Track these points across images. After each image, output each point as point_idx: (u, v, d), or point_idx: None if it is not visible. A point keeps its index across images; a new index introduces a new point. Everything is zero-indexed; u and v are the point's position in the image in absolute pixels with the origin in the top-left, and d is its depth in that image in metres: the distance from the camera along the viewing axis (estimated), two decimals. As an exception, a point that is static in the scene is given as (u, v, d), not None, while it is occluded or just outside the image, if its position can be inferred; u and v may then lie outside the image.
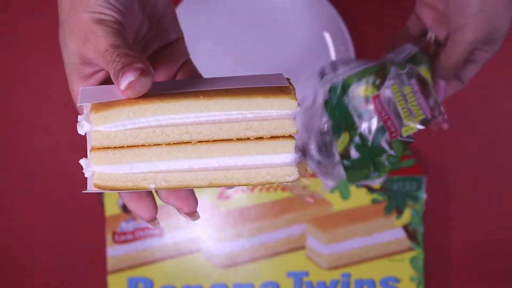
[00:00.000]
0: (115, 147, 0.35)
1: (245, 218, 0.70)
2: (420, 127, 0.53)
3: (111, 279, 0.69)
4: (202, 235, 0.69)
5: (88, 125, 0.35)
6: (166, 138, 0.35)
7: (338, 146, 0.52)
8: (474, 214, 0.73)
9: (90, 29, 0.37)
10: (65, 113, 0.73)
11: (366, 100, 0.51)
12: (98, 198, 0.71)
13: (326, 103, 0.52)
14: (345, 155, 0.52)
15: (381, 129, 0.52)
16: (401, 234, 0.70)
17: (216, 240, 0.69)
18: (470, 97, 0.73)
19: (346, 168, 0.52)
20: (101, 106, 0.35)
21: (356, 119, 0.51)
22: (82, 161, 0.37)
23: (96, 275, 0.72)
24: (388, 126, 0.52)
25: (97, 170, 0.36)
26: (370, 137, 0.52)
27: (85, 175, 0.37)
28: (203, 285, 0.69)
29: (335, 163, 0.52)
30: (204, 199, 0.69)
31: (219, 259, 0.69)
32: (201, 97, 0.34)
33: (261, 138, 0.35)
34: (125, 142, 0.35)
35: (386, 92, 0.52)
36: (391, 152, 0.52)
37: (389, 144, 0.52)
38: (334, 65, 0.53)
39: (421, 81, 0.54)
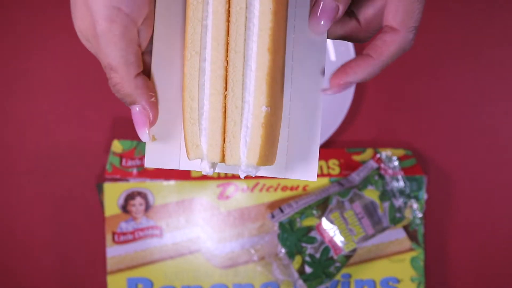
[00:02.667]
0: (223, 140, 0.38)
1: (245, 218, 0.69)
2: (360, 245, 0.66)
3: (111, 280, 0.69)
4: (202, 235, 0.69)
5: (205, 163, 0.38)
6: (219, 89, 0.37)
7: (294, 265, 0.66)
8: (474, 215, 0.73)
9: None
10: (65, 113, 0.73)
11: (310, 229, 0.66)
12: (98, 198, 0.71)
13: (279, 236, 0.66)
14: (301, 271, 0.66)
15: (326, 249, 0.66)
16: (401, 234, 0.70)
17: (216, 240, 0.69)
18: (470, 97, 0.73)
19: (304, 281, 0.66)
20: (186, 146, 0.38)
21: (304, 244, 0.66)
22: (242, 174, 0.38)
23: (95, 276, 0.72)
24: (332, 245, 0.65)
25: (245, 158, 0.37)
26: (318, 255, 0.66)
27: (252, 174, 0.38)
28: (203, 286, 0.69)
29: (295, 279, 0.66)
30: (204, 199, 0.69)
31: (219, 259, 0.69)
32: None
33: None
34: (220, 128, 0.37)
35: (328, 219, 0.65)
36: (337, 264, 0.66)
37: (335, 258, 0.66)
38: (281, 209, 0.67)
39: (364, 203, 0.66)
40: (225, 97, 0.37)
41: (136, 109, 0.37)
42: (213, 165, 0.38)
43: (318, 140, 0.41)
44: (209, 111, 0.37)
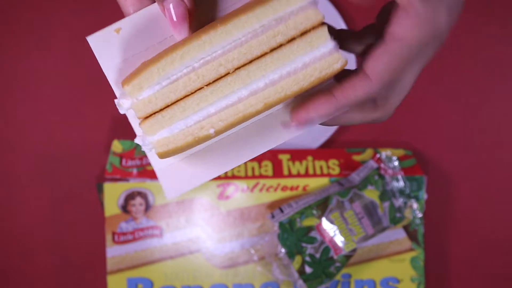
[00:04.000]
0: (161, 109, 0.34)
1: (245, 218, 0.69)
2: (360, 245, 0.66)
3: (111, 280, 0.69)
4: (202, 235, 0.69)
5: (127, 102, 0.35)
6: (204, 79, 0.34)
7: (295, 265, 0.66)
8: (474, 215, 0.73)
9: None
10: (65, 113, 0.73)
11: (310, 229, 0.66)
12: (98, 198, 0.71)
13: (279, 236, 0.66)
14: (301, 271, 0.66)
15: (326, 249, 0.66)
16: (401, 234, 0.70)
17: (216, 240, 0.69)
18: (470, 97, 0.73)
19: (304, 280, 0.66)
20: (130, 77, 0.34)
21: (304, 244, 0.66)
22: (137, 140, 0.36)
23: (95, 276, 0.72)
24: (332, 245, 0.66)
25: (154, 140, 0.35)
26: (318, 255, 0.66)
27: (147, 152, 0.37)
28: (203, 286, 0.69)
29: (295, 279, 0.66)
30: (204, 199, 0.69)
31: (219, 259, 0.69)
32: (219, 25, 0.33)
33: (293, 39, 0.34)
34: (168, 100, 0.34)
35: (328, 219, 0.65)
36: (337, 264, 0.66)
37: (335, 258, 0.66)
38: (281, 209, 0.67)
39: (364, 203, 0.66)
40: (200, 88, 0.34)
41: (172, 2, 0.34)
42: (129, 111, 0.36)
43: (221, 171, 0.39)
44: (178, 81, 0.34)
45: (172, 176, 0.39)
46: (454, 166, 0.73)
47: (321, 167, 0.70)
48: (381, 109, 0.38)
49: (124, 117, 0.73)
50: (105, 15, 0.73)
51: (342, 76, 0.40)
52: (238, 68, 0.34)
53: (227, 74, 0.34)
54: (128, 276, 0.69)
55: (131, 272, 0.69)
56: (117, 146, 0.70)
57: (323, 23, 0.35)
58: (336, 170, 0.70)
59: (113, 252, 0.69)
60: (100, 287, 0.71)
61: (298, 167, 0.70)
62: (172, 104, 0.34)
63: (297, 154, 0.71)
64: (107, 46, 0.37)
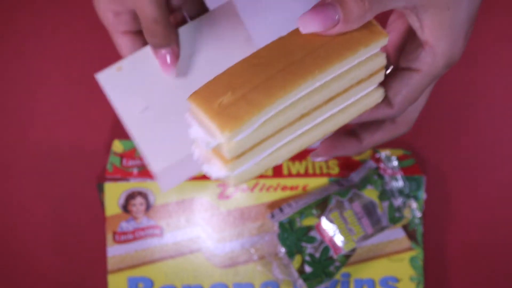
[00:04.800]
0: (250, 149, 0.35)
1: (245, 218, 0.70)
2: (359, 244, 0.66)
3: (111, 279, 0.69)
4: (202, 235, 0.70)
5: (213, 140, 0.34)
6: (289, 121, 0.35)
7: (294, 265, 0.66)
8: (474, 214, 0.73)
9: None
10: (66, 113, 0.73)
11: (310, 228, 0.66)
12: (98, 198, 0.71)
13: (279, 235, 0.66)
14: (301, 271, 0.66)
15: (326, 248, 0.66)
16: (400, 234, 0.70)
17: (216, 240, 0.70)
18: (470, 97, 0.74)
19: (304, 280, 0.66)
20: (226, 118, 0.32)
21: (304, 244, 0.66)
22: (214, 171, 0.36)
23: (96, 275, 0.72)
24: (332, 245, 0.66)
25: (233, 175, 0.35)
26: (318, 255, 0.66)
27: (223, 179, 0.36)
28: (203, 285, 0.70)
29: (295, 278, 0.66)
30: (204, 199, 0.69)
31: (219, 259, 0.70)
32: (316, 71, 0.34)
33: (361, 80, 0.37)
34: (258, 140, 0.34)
35: (327, 219, 0.66)
36: (337, 263, 0.66)
37: (335, 257, 0.66)
38: (281, 209, 0.67)
39: (364, 202, 0.67)
40: (283, 129, 0.36)
41: (167, 50, 0.45)
42: (212, 142, 0.34)
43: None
44: (269, 127, 0.34)
45: (169, 171, 0.40)
46: (453, 166, 0.73)
47: (320, 167, 0.70)
48: (401, 125, 0.42)
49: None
50: (105, 16, 0.73)
51: None
52: (316, 108, 0.36)
53: (306, 114, 0.35)
54: (128, 275, 0.69)
55: (132, 271, 0.69)
56: (117, 146, 0.70)
57: (383, 67, 0.37)
58: (336, 170, 0.70)
59: (114, 251, 0.69)
60: (101, 286, 0.71)
61: (298, 167, 0.70)
62: (258, 143, 0.35)
63: (297, 154, 0.71)
64: (113, 81, 0.46)
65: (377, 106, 0.39)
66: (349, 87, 0.36)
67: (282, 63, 0.34)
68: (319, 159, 0.43)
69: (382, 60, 0.37)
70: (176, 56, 0.45)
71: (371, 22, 0.36)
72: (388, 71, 0.42)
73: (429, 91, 0.41)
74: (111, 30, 0.47)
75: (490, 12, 0.74)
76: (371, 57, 0.36)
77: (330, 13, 0.33)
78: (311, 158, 0.43)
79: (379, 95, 0.38)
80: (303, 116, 0.35)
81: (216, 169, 0.35)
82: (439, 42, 0.36)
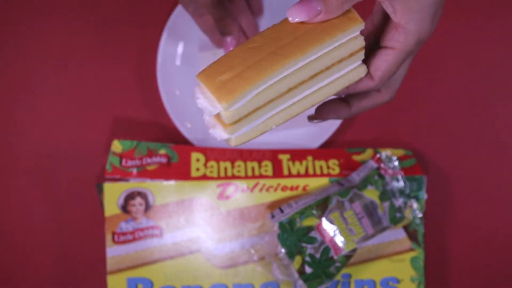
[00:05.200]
0: (245, 116, 0.42)
1: (245, 218, 0.69)
2: (360, 245, 0.66)
3: (111, 280, 0.69)
4: (202, 235, 0.69)
5: (214, 109, 0.41)
6: (278, 93, 0.42)
7: (295, 266, 0.65)
8: (474, 215, 0.73)
9: None
10: (65, 113, 0.73)
11: (310, 229, 0.66)
12: (98, 198, 0.71)
13: (279, 236, 0.66)
14: (301, 271, 0.66)
15: (326, 249, 0.66)
16: (401, 234, 0.70)
17: (216, 240, 0.69)
18: (470, 96, 0.73)
19: (304, 281, 0.65)
20: (223, 91, 0.40)
21: (304, 244, 0.66)
22: (217, 134, 0.43)
23: (95, 276, 0.72)
24: (332, 245, 0.66)
25: (233, 137, 0.43)
26: (318, 255, 0.66)
27: (226, 140, 0.44)
28: (203, 286, 0.69)
29: (295, 279, 0.66)
30: (204, 199, 0.69)
31: (219, 259, 0.69)
32: (299, 53, 0.41)
33: (342, 59, 0.43)
34: (251, 109, 0.42)
35: (328, 219, 0.66)
36: (338, 264, 0.66)
37: (335, 258, 0.66)
38: (281, 209, 0.67)
39: (364, 203, 0.67)
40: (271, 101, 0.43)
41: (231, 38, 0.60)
42: (213, 110, 0.41)
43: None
44: (260, 98, 0.42)
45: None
46: (454, 166, 0.73)
47: (321, 167, 0.70)
48: (385, 93, 0.49)
49: (125, 117, 0.73)
50: (105, 15, 0.73)
51: None
52: (301, 83, 0.43)
53: (293, 87, 0.43)
54: (128, 276, 0.69)
55: (131, 272, 0.69)
56: (117, 146, 0.70)
57: (361, 49, 0.44)
58: (336, 170, 0.70)
59: (113, 252, 0.69)
60: (100, 287, 0.71)
61: (298, 167, 0.70)
62: (252, 112, 0.42)
63: (297, 154, 0.71)
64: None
65: (361, 79, 0.46)
66: (331, 65, 0.43)
67: (272, 46, 0.41)
68: (315, 121, 0.51)
69: (360, 42, 0.43)
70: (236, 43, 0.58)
71: (350, 10, 0.42)
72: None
73: (408, 64, 0.48)
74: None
75: (490, 12, 0.73)
76: (350, 39, 0.43)
77: (313, 5, 0.41)
78: (308, 120, 0.51)
79: (362, 71, 0.45)
80: (290, 89, 0.42)
81: (219, 132, 0.43)
82: (409, 24, 0.42)
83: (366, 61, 0.46)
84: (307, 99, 0.44)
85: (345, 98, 0.50)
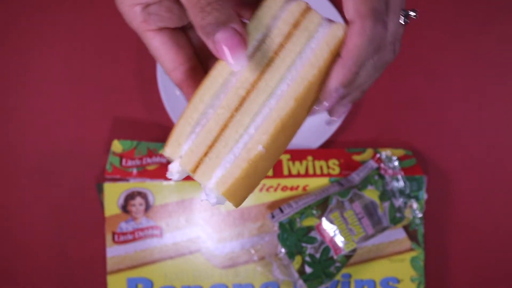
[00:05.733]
0: (205, 153, 0.35)
1: (245, 218, 0.69)
2: (360, 245, 0.66)
3: (111, 280, 0.69)
4: (202, 235, 0.69)
5: (175, 164, 0.36)
6: (231, 107, 0.35)
7: (295, 266, 0.66)
8: (474, 215, 0.73)
9: None
10: (65, 113, 0.73)
11: (310, 229, 0.66)
12: (98, 198, 0.71)
13: (279, 236, 0.66)
14: (301, 271, 0.66)
15: (326, 249, 0.66)
16: (401, 234, 0.70)
17: (216, 241, 0.69)
18: (469, 97, 0.73)
19: (304, 281, 0.66)
20: (169, 139, 0.36)
21: (304, 244, 0.66)
22: (203, 197, 0.36)
23: (95, 276, 0.72)
24: (332, 245, 0.66)
25: (212, 184, 0.35)
26: (318, 255, 0.66)
27: (211, 201, 0.36)
28: (203, 286, 0.69)
29: (295, 279, 0.66)
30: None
31: (219, 259, 0.69)
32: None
33: (290, 34, 0.36)
34: (208, 141, 0.35)
35: (328, 219, 0.66)
36: (337, 264, 0.66)
37: (335, 258, 0.66)
38: (281, 209, 0.67)
39: (364, 203, 0.67)
40: (231, 117, 0.35)
41: (229, 31, 0.33)
42: (181, 172, 0.36)
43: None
44: (209, 121, 0.35)
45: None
46: (454, 166, 0.73)
47: (321, 167, 0.70)
48: (358, 24, 0.35)
49: (124, 117, 0.73)
50: (105, 15, 0.73)
51: None
52: (255, 82, 0.35)
53: (248, 92, 0.35)
54: (128, 276, 0.69)
55: (131, 272, 0.69)
56: (117, 146, 0.70)
57: (308, 8, 0.36)
58: (336, 170, 0.70)
59: (113, 252, 0.69)
60: (100, 287, 0.71)
61: (298, 167, 0.70)
62: (212, 144, 0.35)
63: (297, 154, 0.71)
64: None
65: (346, 36, 0.35)
66: (279, 48, 0.36)
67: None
68: (334, 125, 0.41)
69: (298, 5, 0.36)
70: (243, 37, 0.34)
71: None
72: None
73: None
74: (140, 29, 0.38)
75: (490, 12, 0.73)
76: (283, 9, 0.36)
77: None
78: (327, 125, 0.41)
79: (336, 30, 0.36)
80: (246, 96, 0.35)
81: (204, 194, 0.36)
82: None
83: None
84: (284, 96, 0.35)
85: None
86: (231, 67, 0.34)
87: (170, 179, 0.69)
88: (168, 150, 0.35)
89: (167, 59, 0.38)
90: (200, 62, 0.40)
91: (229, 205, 0.69)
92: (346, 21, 0.36)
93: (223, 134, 0.35)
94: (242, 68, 0.34)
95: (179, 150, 0.35)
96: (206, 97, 0.35)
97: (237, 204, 0.36)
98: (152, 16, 0.37)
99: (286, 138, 0.37)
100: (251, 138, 0.35)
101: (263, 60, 0.35)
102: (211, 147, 0.35)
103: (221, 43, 0.33)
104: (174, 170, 0.36)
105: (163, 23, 0.38)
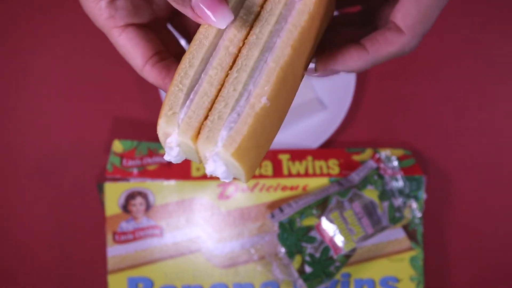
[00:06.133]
0: (205, 117, 0.32)
1: (245, 218, 0.70)
2: (359, 244, 0.66)
3: (111, 279, 0.69)
4: (203, 235, 0.69)
5: (173, 137, 0.33)
6: (224, 67, 0.33)
7: (294, 265, 0.66)
8: (473, 214, 0.73)
9: None
10: (66, 113, 0.73)
11: (310, 228, 0.66)
12: (98, 198, 0.71)
13: (279, 235, 0.66)
14: (301, 271, 0.66)
15: (326, 249, 0.66)
16: (401, 234, 0.70)
17: (216, 240, 0.69)
18: (470, 97, 0.74)
19: (304, 280, 0.66)
20: (162, 110, 0.33)
21: (304, 244, 0.66)
22: (209, 169, 0.33)
23: (96, 275, 0.72)
24: (332, 245, 0.66)
25: (220, 147, 0.32)
26: (318, 255, 0.66)
27: (219, 170, 0.33)
28: (203, 285, 0.70)
29: (295, 278, 0.67)
30: (205, 199, 0.69)
31: (219, 259, 0.70)
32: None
33: None
34: (207, 104, 0.33)
35: (328, 219, 0.66)
36: (337, 263, 0.67)
37: (335, 257, 0.66)
38: (281, 209, 0.67)
39: (364, 203, 0.67)
40: (227, 75, 0.33)
41: None
42: (182, 145, 0.33)
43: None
44: (203, 84, 0.33)
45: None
46: (453, 166, 0.73)
47: (320, 167, 0.70)
48: (411, 36, 0.34)
49: (125, 117, 0.73)
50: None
51: (366, 25, 0.38)
52: (245, 38, 0.33)
53: (240, 49, 0.33)
54: (128, 275, 0.69)
55: (132, 271, 0.69)
56: (117, 146, 0.70)
57: None
58: (336, 170, 0.70)
59: (114, 251, 0.69)
60: (101, 286, 0.71)
61: (298, 167, 0.70)
62: (211, 106, 0.32)
63: (297, 154, 0.71)
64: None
65: (386, 33, 0.34)
66: (260, 10, 0.34)
67: None
68: (315, 74, 0.37)
69: None
70: None
71: None
72: None
73: (442, 8, 0.34)
74: (106, 27, 0.36)
75: (490, 13, 0.73)
76: None
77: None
78: (306, 74, 0.37)
79: None
80: (238, 53, 0.33)
81: (210, 165, 0.32)
82: None
83: (385, 10, 0.35)
84: (279, 46, 0.33)
85: (359, 43, 0.35)
86: (217, 26, 0.32)
87: (170, 179, 0.69)
88: (162, 123, 0.32)
89: (137, 55, 0.36)
90: (174, 57, 0.38)
91: (229, 205, 0.69)
92: (386, 21, 0.34)
93: (221, 95, 0.32)
94: (228, 24, 0.32)
95: (175, 119, 0.32)
96: (195, 61, 0.33)
97: (247, 170, 0.32)
98: (119, 11, 0.35)
99: (288, 92, 0.34)
100: (252, 93, 0.32)
101: (249, 15, 0.33)
102: (210, 109, 0.32)
103: (200, 6, 0.31)
104: (174, 143, 0.33)
105: (130, 19, 0.36)
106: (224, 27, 0.32)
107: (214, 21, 0.32)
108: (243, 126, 0.31)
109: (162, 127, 0.32)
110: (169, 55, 0.37)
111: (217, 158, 0.32)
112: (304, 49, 0.34)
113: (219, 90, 0.33)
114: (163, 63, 0.36)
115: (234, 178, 0.34)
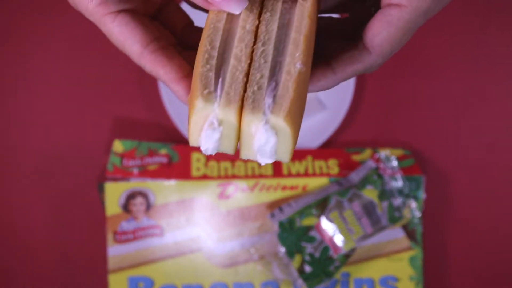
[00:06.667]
0: (245, 91, 0.31)
1: (245, 218, 0.70)
2: (359, 244, 0.67)
3: (112, 279, 0.69)
4: (203, 235, 0.70)
5: (214, 115, 0.31)
6: (246, 41, 0.32)
7: (294, 265, 0.66)
8: (472, 214, 0.74)
9: None
10: (66, 113, 0.73)
11: (309, 228, 0.67)
12: (99, 198, 0.71)
13: (279, 235, 0.67)
14: (301, 270, 0.66)
15: (325, 248, 0.66)
16: (400, 233, 0.70)
17: (216, 240, 0.70)
18: (468, 97, 0.74)
19: (304, 280, 0.66)
20: (196, 90, 0.31)
21: (303, 243, 0.66)
22: (260, 139, 0.31)
23: (96, 275, 0.72)
24: (332, 245, 0.66)
25: (270, 115, 0.31)
26: (318, 254, 0.66)
27: (269, 141, 0.31)
28: (204, 285, 0.70)
29: (294, 278, 0.67)
30: (205, 199, 0.69)
31: (219, 258, 0.70)
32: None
33: None
34: (241, 77, 0.32)
35: (327, 219, 0.66)
36: (337, 263, 0.67)
37: (335, 257, 0.67)
38: (281, 209, 0.68)
39: (363, 202, 0.68)
40: (252, 52, 0.32)
41: None
42: (224, 123, 0.31)
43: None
44: (231, 62, 0.32)
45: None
46: (452, 166, 0.74)
47: (320, 167, 0.71)
48: (376, 54, 0.34)
49: (125, 117, 0.73)
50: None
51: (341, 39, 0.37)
52: (260, 16, 0.33)
53: (257, 26, 0.33)
54: (129, 275, 0.69)
55: (132, 271, 0.69)
56: (118, 146, 0.70)
57: None
58: (335, 170, 0.70)
59: (114, 251, 0.69)
60: (101, 286, 0.72)
61: (297, 167, 0.71)
62: (247, 79, 0.31)
63: (297, 154, 0.71)
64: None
65: (353, 52, 0.34)
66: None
67: None
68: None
69: None
70: None
71: None
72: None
73: (413, 33, 0.33)
74: (97, 15, 0.33)
75: (490, 13, 0.74)
76: None
77: None
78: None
79: None
80: (257, 26, 0.33)
81: (267, 131, 0.31)
82: None
83: (360, 28, 0.35)
84: (297, 15, 0.33)
85: (328, 63, 0.36)
86: (233, 12, 0.32)
87: (170, 179, 0.69)
88: (200, 103, 0.30)
89: (135, 41, 0.33)
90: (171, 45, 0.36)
91: (229, 205, 0.70)
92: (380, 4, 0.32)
93: (253, 68, 0.31)
94: (243, 9, 0.32)
95: (213, 97, 0.30)
96: (215, 43, 0.32)
97: (296, 137, 0.31)
98: None
99: (310, 59, 0.34)
100: (284, 62, 0.31)
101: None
102: (246, 82, 0.31)
103: None
104: (216, 123, 0.31)
105: (123, 4, 0.33)
106: (239, 12, 0.32)
107: (230, 6, 0.32)
108: (287, 91, 0.30)
109: (200, 105, 0.31)
110: (167, 42, 0.36)
111: (268, 127, 0.30)
112: (315, 21, 0.34)
113: (249, 65, 0.32)
114: (163, 50, 0.34)
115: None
